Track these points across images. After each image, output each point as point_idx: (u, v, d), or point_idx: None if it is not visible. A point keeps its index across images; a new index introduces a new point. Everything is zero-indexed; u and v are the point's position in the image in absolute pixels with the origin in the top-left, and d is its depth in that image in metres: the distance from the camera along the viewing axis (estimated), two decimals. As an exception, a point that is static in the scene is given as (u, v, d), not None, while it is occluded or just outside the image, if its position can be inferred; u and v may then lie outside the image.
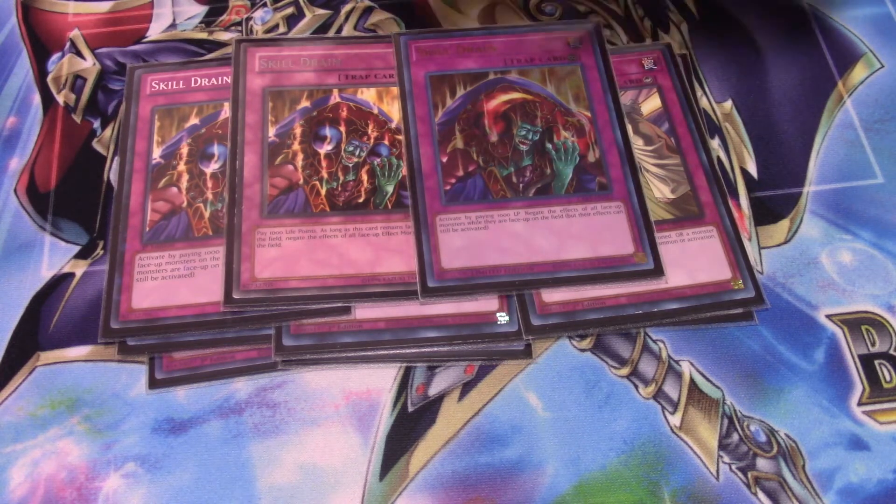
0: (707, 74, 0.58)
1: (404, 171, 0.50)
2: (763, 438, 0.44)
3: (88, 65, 0.58)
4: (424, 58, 0.54)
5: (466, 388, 0.46)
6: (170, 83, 0.54)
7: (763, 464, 0.44)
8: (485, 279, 0.46)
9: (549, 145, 0.51)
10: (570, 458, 0.44)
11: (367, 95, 0.53)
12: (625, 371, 0.46)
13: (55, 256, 0.50)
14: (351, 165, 0.50)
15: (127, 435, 0.44)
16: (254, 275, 0.46)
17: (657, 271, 0.47)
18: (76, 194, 0.53)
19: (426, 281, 0.46)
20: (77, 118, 0.56)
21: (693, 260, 0.48)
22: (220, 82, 0.54)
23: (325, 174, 0.50)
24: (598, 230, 0.48)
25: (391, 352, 0.46)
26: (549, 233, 0.48)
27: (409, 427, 0.45)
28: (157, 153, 0.51)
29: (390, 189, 0.50)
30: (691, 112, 0.54)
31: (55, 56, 0.59)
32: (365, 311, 0.46)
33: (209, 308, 0.46)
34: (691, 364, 0.47)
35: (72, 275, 0.49)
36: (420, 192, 0.48)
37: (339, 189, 0.49)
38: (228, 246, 0.47)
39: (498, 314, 0.46)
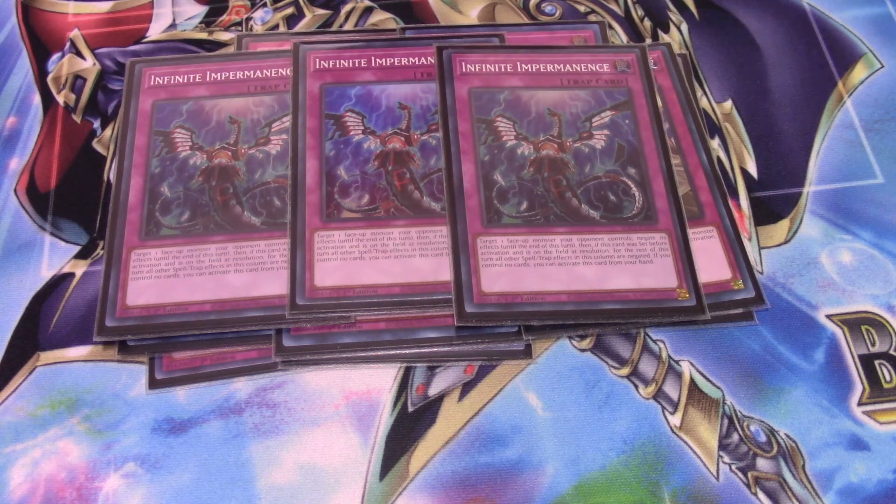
0: (707, 74, 0.58)
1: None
2: (763, 438, 0.44)
3: (88, 65, 0.58)
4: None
5: (466, 388, 0.46)
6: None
7: (763, 464, 0.44)
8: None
9: None
10: (570, 458, 0.44)
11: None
12: (625, 371, 0.46)
13: (55, 256, 0.50)
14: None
15: (127, 435, 0.44)
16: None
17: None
18: (76, 194, 0.53)
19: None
20: (77, 118, 0.56)
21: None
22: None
23: None
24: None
25: (391, 352, 0.46)
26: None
27: (409, 427, 0.45)
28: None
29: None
30: (691, 112, 0.54)
31: (55, 56, 0.59)
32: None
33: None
34: (691, 364, 0.47)
35: (72, 275, 0.49)
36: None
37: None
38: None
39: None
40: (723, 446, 0.44)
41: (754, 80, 0.58)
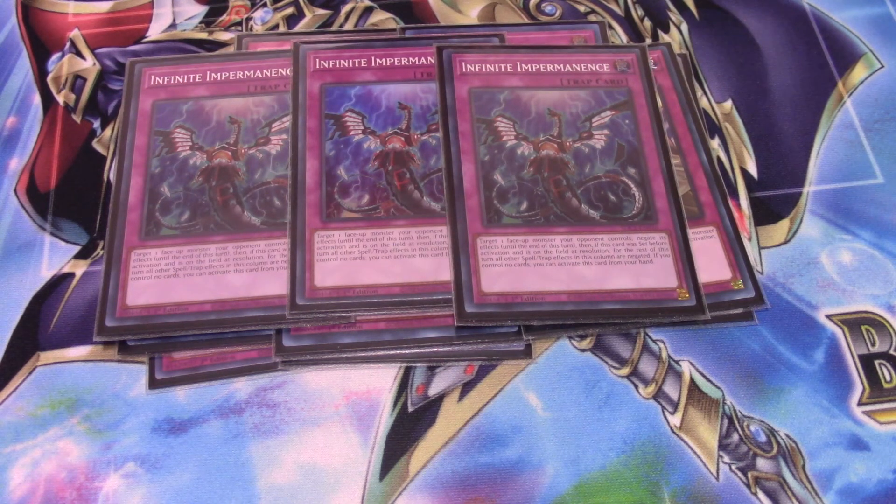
0: (707, 74, 0.58)
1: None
2: (763, 438, 0.44)
3: (88, 65, 0.58)
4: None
5: (466, 388, 0.46)
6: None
7: (763, 464, 0.44)
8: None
9: None
10: (570, 458, 0.44)
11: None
12: (625, 371, 0.46)
13: (55, 256, 0.50)
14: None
15: (127, 435, 0.44)
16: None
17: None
18: (76, 194, 0.53)
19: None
20: (77, 118, 0.56)
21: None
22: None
23: None
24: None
25: (391, 352, 0.46)
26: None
27: (409, 427, 0.45)
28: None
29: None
30: (691, 112, 0.54)
31: (55, 56, 0.59)
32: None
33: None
34: (691, 364, 0.47)
35: (72, 275, 0.49)
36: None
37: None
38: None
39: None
40: (723, 446, 0.44)
41: (754, 80, 0.58)
